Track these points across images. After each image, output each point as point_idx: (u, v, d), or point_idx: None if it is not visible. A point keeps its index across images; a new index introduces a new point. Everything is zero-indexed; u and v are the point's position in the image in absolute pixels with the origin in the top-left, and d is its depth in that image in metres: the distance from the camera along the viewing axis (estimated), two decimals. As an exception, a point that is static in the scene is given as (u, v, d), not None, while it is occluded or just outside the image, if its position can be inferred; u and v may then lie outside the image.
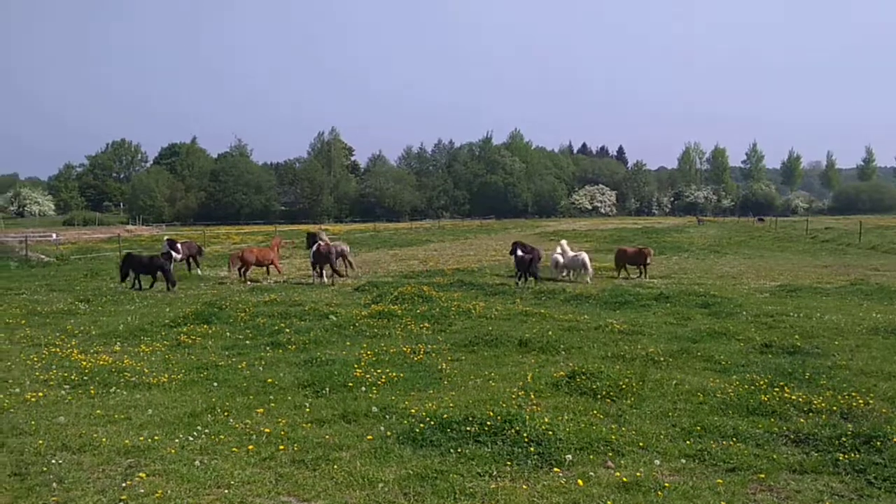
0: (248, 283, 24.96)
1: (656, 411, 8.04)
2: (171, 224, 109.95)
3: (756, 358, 11.10)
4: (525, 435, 6.73)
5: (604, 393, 8.62)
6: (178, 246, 27.82)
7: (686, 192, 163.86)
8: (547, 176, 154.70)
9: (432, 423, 7.20)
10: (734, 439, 7.01)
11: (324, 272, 24.70)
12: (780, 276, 25.47)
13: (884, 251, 39.65)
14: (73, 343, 12.81)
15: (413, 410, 7.86)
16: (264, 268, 27.53)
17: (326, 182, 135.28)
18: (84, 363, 10.47)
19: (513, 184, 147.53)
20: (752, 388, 8.81)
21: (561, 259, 25.45)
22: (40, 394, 8.82)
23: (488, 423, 6.99)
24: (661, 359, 10.77)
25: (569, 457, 6.43)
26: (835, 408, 7.98)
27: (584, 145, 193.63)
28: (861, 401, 8.12)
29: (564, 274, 25.47)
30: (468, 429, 6.97)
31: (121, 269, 23.96)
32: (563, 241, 26.63)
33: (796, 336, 12.66)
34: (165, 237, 33.13)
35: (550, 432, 6.79)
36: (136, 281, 23.59)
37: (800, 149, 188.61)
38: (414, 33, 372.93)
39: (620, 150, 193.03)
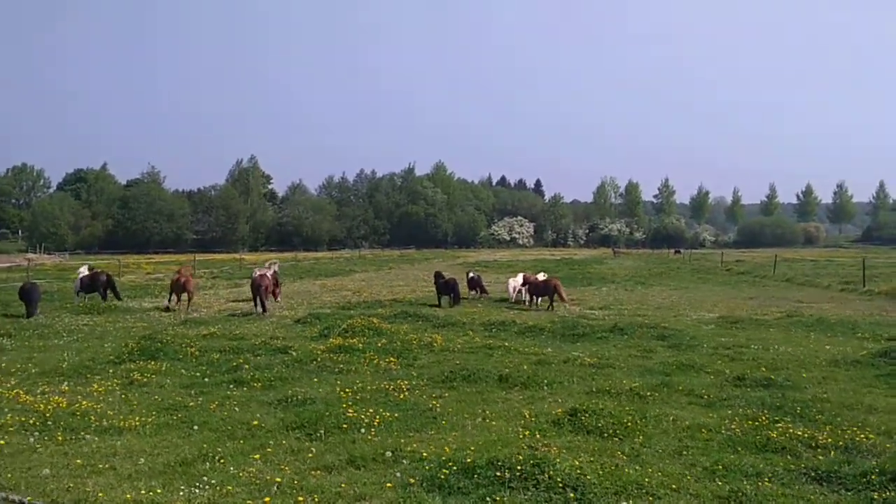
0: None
1: (669, 450, 7.90)
2: (75, 252, 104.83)
3: (734, 391, 11.19)
4: (559, 480, 6.42)
5: (610, 431, 8.44)
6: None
7: (601, 224, 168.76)
8: (467, 207, 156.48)
9: (455, 467, 6.80)
10: (757, 478, 6.93)
11: (261, 303, 23.83)
12: (713, 308, 26.21)
13: (798, 283, 41.53)
14: (13, 382, 11.72)
15: (425, 454, 7.44)
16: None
17: (243, 210, 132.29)
18: (38, 406, 9.51)
19: (434, 214, 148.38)
20: (755, 423, 8.82)
21: (513, 284, 27.99)
22: (2, 442, 7.91)
23: (518, 467, 6.65)
24: (646, 393, 10.71)
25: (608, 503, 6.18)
26: (840, 443, 8.04)
27: (503, 177, 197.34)
28: (862, 435, 8.23)
29: (526, 299, 27.14)
30: (496, 474, 6.60)
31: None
32: (519, 275, 29.16)
33: (762, 368, 12.90)
34: (84, 265, 31.25)
35: (583, 476, 6.51)
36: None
37: (706, 184, 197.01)
38: (335, 68, 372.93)
39: (538, 183, 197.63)
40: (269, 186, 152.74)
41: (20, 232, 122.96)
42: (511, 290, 28.12)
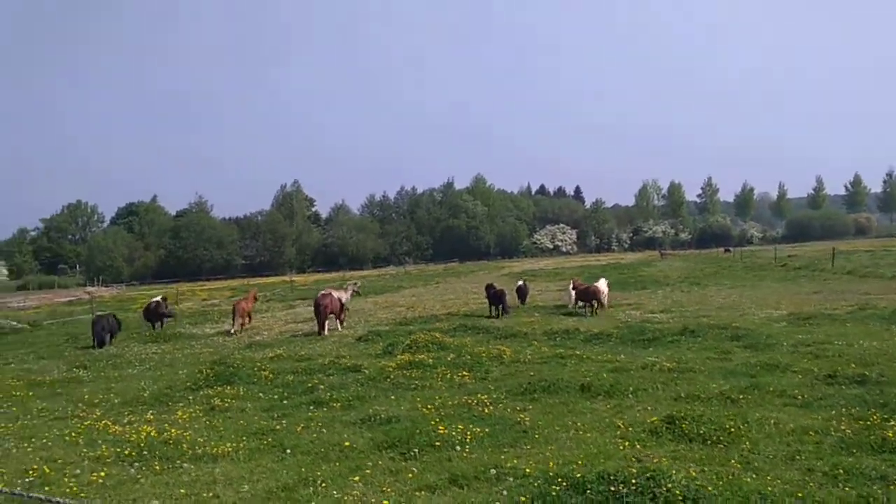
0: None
1: (780, 455, 7.59)
2: (131, 283, 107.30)
3: (828, 390, 10.78)
4: (677, 493, 6.17)
5: (714, 438, 8.15)
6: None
7: (644, 227, 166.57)
8: (508, 218, 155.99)
9: (564, 483, 6.61)
10: (883, 481, 6.59)
11: (325, 324, 23.93)
12: (779, 305, 25.47)
13: (861, 276, 40.25)
14: (98, 413, 11.89)
15: (528, 470, 7.26)
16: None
17: (289, 234, 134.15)
18: (130, 436, 9.62)
19: (475, 227, 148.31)
20: (866, 423, 8.44)
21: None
22: (102, 473, 7.99)
23: (632, 481, 6.42)
24: (738, 397, 10.37)
25: (733, 514, 5.93)
26: (963, 442, 7.64)
27: (542, 186, 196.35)
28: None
29: (580, 305, 27.03)
30: (610, 489, 6.39)
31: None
32: (602, 280, 29.05)
33: (852, 365, 12.43)
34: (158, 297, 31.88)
35: (702, 488, 6.26)
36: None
37: (751, 180, 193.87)
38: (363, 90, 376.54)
39: (578, 190, 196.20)
40: (313, 209, 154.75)
41: (77, 266, 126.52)
42: (571, 297, 28.04)
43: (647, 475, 6.49)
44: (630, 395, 10.96)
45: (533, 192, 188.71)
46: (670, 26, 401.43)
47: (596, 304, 26.06)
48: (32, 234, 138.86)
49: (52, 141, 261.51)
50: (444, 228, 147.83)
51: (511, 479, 7.13)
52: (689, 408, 9.43)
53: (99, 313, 28.06)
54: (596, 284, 27.88)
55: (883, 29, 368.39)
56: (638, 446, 8.07)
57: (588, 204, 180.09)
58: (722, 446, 7.97)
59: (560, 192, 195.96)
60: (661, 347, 16.25)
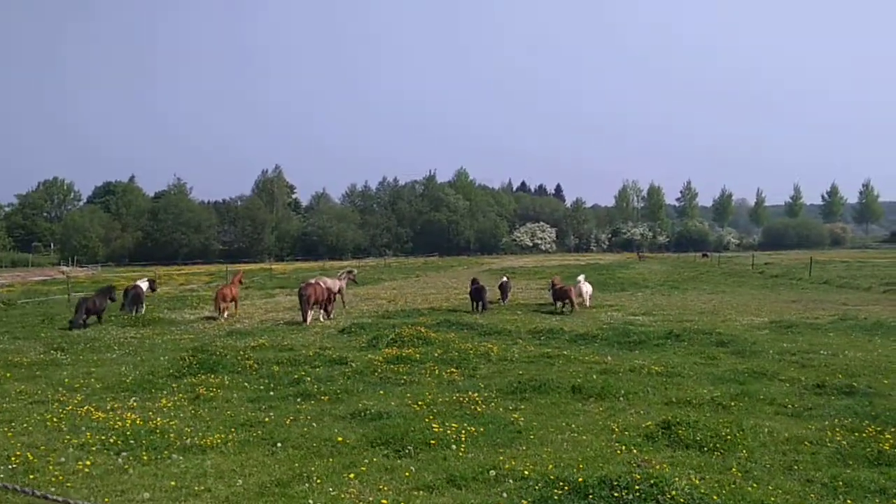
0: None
1: (777, 464, 7.58)
2: (106, 264, 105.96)
3: (817, 400, 10.82)
4: (682, 501, 6.11)
5: (710, 445, 8.12)
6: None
7: (623, 228, 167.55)
8: (489, 213, 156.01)
9: (566, 487, 6.53)
10: (883, 495, 6.59)
11: (310, 314, 23.71)
12: (759, 312, 25.68)
13: (837, 286, 40.70)
14: (79, 398, 11.63)
15: (526, 472, 7.17)
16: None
17: (269, 220, 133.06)
18: (115, 423, 9.40)
19: (456, 221, 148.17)
20: (861, 435, 8.46)
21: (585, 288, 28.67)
22: (88, 462, 7.77)
23: (635, 486, 6.35)
24: (729, 403, 10.38)
25: (738, 525, 5.89)
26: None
27: (523, 183, 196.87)
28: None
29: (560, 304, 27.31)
30: (613, 494, 6.32)
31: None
32: (581, 276, 30.14)
33: (839, 375, 12.51)
34: (144, 279, 31.31)
35: (706, 496, 6.21)
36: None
37: (729, 186, 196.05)
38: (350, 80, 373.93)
39: (558, 188, 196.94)
40: (294, 196, 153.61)
41: (52, 245, 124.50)
42: (587, 293, 28.68)
43: (651, 482, 6.43)
44: (622, 398, 10.92)
45: (514, 189, 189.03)
46: (667, 26, 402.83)
47: (569, 303, 26.48)
48: (6, 209, 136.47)
49: (31, 115, 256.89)
50: (425, 222, 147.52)
51: (510, 480, 7.03)
52: (683, 413, 9.41)
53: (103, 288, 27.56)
54: (579, 285, 28.42)
55: (868, 40, 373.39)
56: (635, 451, 8.01)
57: (568, 203, 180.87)
58: (719, 454, 7.94)
59: (541, 189, 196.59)
60: (648, 351, 16.26)
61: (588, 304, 28.10)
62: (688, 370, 13.45)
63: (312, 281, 25.05)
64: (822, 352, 15.17)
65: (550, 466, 7.35)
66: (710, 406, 10.30)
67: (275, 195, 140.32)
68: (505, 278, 32.99)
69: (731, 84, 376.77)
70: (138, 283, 28.90)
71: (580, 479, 6.64)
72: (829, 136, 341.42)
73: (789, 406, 10.35)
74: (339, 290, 29.03)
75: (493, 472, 7.17)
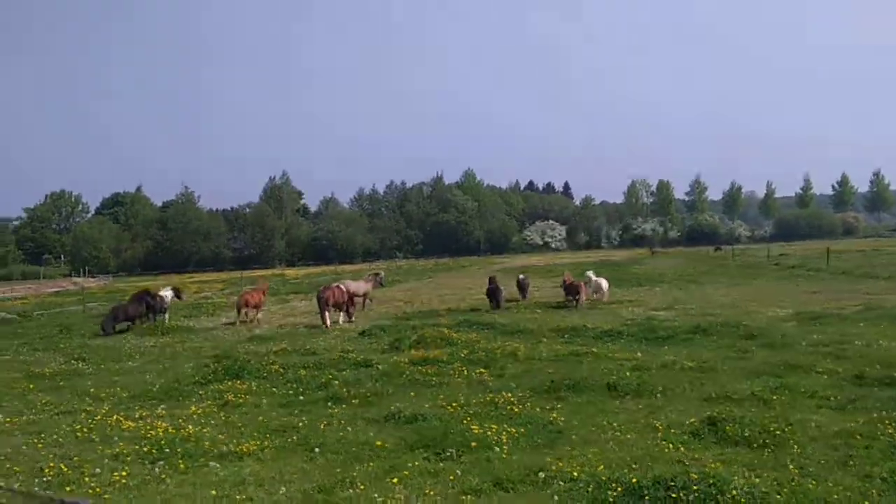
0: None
1: (831, 460, 7.34)
2: (118, 275, 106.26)
3: (858, 391, 10.54)
4: (742, 500, 5.89)
5: (760, 441, 7.88)
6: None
7: (634, 224, 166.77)
8: (498, 213, 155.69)
9: (619, 489, 6.32)
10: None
11: (325, 316, 23.57)
12: (782, 304, 25.29)
13: (857, 276, 40.21)
14: (106, 408, 11.50)
15: (575, 473, 6.96)
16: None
17: (278, 227, 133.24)
18: (146, 432, 9.25)
19: (465, 222, 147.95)
20: (916, 428, 8.21)
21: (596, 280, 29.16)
22: (124, 472, 7.62)
23: (693, 487, 6.13)
24: (770, 397, 10.12)
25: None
26: None
27: (531, 182, 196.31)
28: None
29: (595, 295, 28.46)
30: (670, 495, 6.11)
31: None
32: (590, 272, 31.17)
33: (877, 366, 12.22)
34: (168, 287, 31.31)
35: (767, 495, 5.99)
36: None
37: (738, 179, 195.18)
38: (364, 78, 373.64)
39: (566, 186, 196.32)
40: (302, 202, 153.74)
41: (63, 257, 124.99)
42: (605, 288, 29.09)
43: (709, 481, 6.21)
44: (658, 395, 10.68)
45: (522, 188, 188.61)
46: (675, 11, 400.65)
47: (578, 298, 27.19)
48: (15, 223, 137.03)
49: (34, 130, 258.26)
50: (434, 223, 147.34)
51: (560, 482, 6.81)
52: (726, 409, 9.18)
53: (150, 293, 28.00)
54: (596, 280, 29.00)
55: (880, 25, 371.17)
56: (682, 449, 7.80)
57: (577, 200, 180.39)
58: (770, 450, 7.70)
59: (549, 188, 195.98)
60: (676, 346, 16.00)
61: (606, 298, 28.35)
62: (720, 364, 13.20)
63: (334, 285, 25.00)
64: (855, 342, 14.87)
65: (601, 467, 7.13)
66: (750, 401, 10.04)
67: (283, 201, 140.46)
68: (522, 276, 32.88)
69: (733, 71, 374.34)
70: (161, 291, 28.90)
71: (634, 480, 6.43)
72: (842, 124, 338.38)
73: (832, 399, 10.09)
74: (365, 293, 29.16)
75: (542, 475, 6.95)
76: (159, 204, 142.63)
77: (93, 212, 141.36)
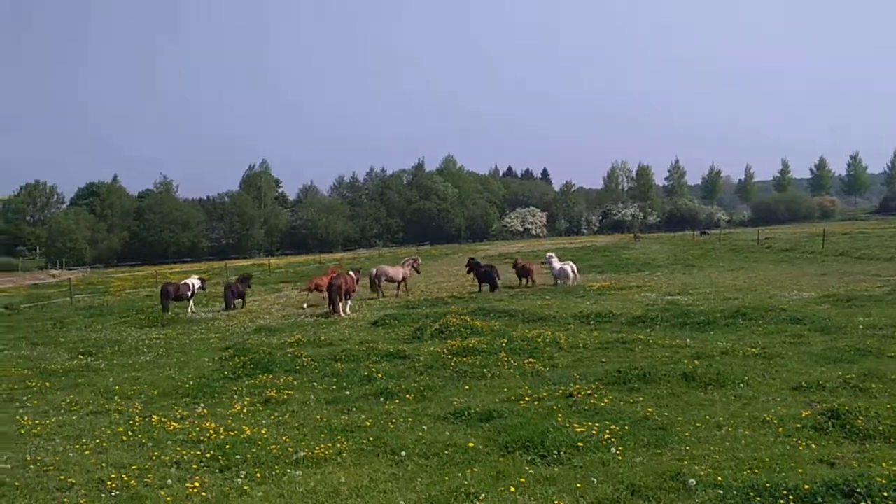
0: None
1: None
2: (95, 266, 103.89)
3: (949, 376, 9.93)
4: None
5: (896, 436, 7.17)
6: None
7: (614, 210, 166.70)
8: (479, 200, 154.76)
9: (789, 496, 5.50)
10: None
11: (339, 306, 22.63)
12: (800, 287, 24.79)
13: (856, 257, 40.09)
14: (138, 407, 10.54)
15: (719, 478, 6.11)
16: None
17: (257, 216, 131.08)
18: (196, 434, 8.33)
19: (446, 209, 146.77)
20: None
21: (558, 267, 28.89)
22: (196, 483, 6.70)
23: (882, 492, 5.37)
24: (868, 385, 9.42)
25: None
26: None
27: (509, 168, 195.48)
28: None
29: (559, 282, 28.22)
30: (851, 502, 5.34)
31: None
32: (550, 254, 30.95)
33: (953, 350, 11.66)
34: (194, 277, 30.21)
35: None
36: None
37: (717, 163, 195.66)
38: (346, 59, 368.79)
39: (545, 172, 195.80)
40: (280, 190, 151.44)
41: (38, 248, 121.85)
42: (570, 271, 28.73)
43: (841, 483, 5.43)
44: (741, 385, 9.93)
45: (501, 174, 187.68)
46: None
47: (530, 280, 28.65)
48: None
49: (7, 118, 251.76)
50: (415, 211, 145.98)
51: (704, 489, 5.99)
52: (838, 399, 8.47)
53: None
54: (563, 266, 28.92)
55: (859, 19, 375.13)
56: (814, 446, 7.06)
57: (556, 186, 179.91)
58: (907, 444, 7.00)
59: (528, 174, 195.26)
60: (720, 331, 15.32)
61: (574, 283, 28.37)
62: (783, 350, 12.54)
63: (355, 271, 24.27)
64: (913, 326, 14.30)
65: (745, 472, 6.32)
66: (846, 389, 9.35)
67: (262, 190, 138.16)
68: (518, 259, 32.72)
69: (712, 62, 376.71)
70: (188, 280, 28.18)
71: (806, 487, 5.61)
72: (819, 110, 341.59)
73: (927, 385, 9.44)
74: (404, 278, 28.60)
75: (693, 481, 6.09)
76: (136, 194, 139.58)
77: (68, 203, 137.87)
